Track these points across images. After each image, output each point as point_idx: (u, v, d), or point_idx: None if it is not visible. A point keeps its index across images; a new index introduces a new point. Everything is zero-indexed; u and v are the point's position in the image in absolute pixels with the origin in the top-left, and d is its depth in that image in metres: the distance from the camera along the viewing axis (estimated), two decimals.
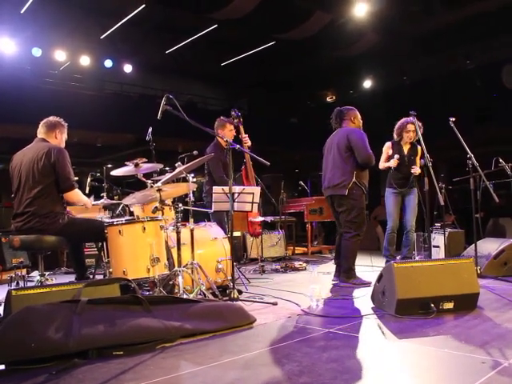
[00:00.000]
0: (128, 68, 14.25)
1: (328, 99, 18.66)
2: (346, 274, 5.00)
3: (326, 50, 14.50)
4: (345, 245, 5.04)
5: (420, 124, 5.47)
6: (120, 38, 14.30)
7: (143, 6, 12.27)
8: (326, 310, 3.80)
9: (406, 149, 5.92)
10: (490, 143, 13.00)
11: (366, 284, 4.86)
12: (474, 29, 13.40)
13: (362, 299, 4.19)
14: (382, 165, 6.02)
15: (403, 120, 5.92)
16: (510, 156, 6.62)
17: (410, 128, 5.82)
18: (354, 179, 4.95)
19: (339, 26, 12.92)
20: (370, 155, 4.96)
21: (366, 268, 5.90)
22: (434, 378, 2.30)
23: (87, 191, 5.34)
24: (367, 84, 16.41)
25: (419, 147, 5.76)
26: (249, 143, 5.76)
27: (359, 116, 5.29)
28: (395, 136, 6.00)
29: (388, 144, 6.02)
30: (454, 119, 5.11)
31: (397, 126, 5.98)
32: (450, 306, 3.54)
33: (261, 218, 6.20)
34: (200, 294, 3.91)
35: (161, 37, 14.98)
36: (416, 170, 5.79)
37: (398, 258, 5.89)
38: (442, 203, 4.84)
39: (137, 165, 4.31)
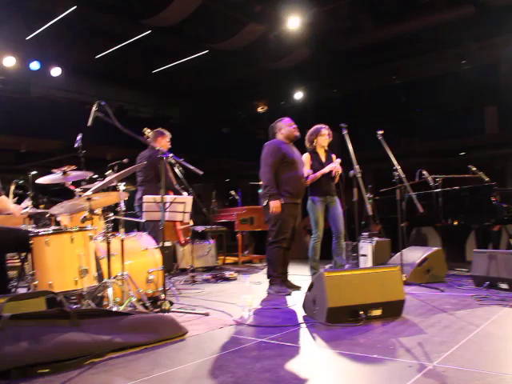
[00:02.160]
0: (56, 71, 13.72)
1: (259, 109, 18.85)
2: (269, 280, 5.27)
3: (259, 61, 14.67)
4: (267, 253, 5.39)
5: (331, 133, 5.77)
6: (48, 40, 13.77)
7: (74, 7, 11.89)
8: (259, 319, 3.81)
9: (323, 157, 5.97)
10: (413, 156, 13.61)
11: (286, 293, 5.03)
12: (402, 46, 14.03)
13: (294, 308, 4.24)
14: (310, 178, 6.08)
15: (317, 126, 5.98)
16: (431, 168, 6.96)
17: (325, 132, 5.90)
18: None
19: (272, 39, 13.12)
20: (261, 173, 5.26)
21: (298, 277, 5.97)
22: None
23: (11, 199, 5.09)
24: (298, 95, 16.72)
25: (333, 155, 5.91)
26: None
27: (286, 124, 5.44)
28: (308, 144, 5.99)
29: (307, 155, 6.03)
30: (382, 132, 5.30)
31: (309, 133, 5.95)
32: (378, 312, 3.65)
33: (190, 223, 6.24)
34: (130, 306, 3.80)
35: (92, 41, 14.56)
36: (337, 168, 5.71)
37: (326, 267, 6.00)
38: (370, 213, 5.02)
39: (65, 172, 4.16)
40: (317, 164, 5.86)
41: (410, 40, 13.64)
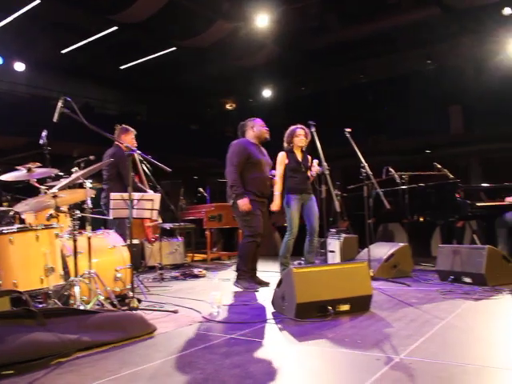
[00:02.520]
0: (20, 66, 13.43)
1: (228, 107, 18.86)
2: (236, 274, 5.24)
3: (227, 58, 14.64)
4: (240, 247, 5.44)
5: (308, 132, 5.74)
6: (11, 35, 13.43)
7: (38, 1, 11.62)
8: (228, 316, 3.81)
9: (299, 156, 6.03)
10: (381, 153, 13.80)
11: (254, 289, 5.04)
12: (369, 45, 14.21)
13: (263, 304, 4.25)
14: (279, 184, 6.12)
15: (293, 127, 6.05)
16: (398, 165, 7.08)
17: (300, 133, 5.97)
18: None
19: (241, 36, 13.11)
20: (229, 171, 5.23)
21: (266, 273, 5.99)
22: (332, 378, 2.38)
23: None
24: (267, 93, 16.78)
25: (309, 156, 5.95)
26: None
27: (258, 124, 5.45)
28: (286, 144, 6.06)
29: (283, 154, 6.09)
30: (349, 130, 5.36)
31: (287, 134, 6.02)
32: (346, 307, 3.69)
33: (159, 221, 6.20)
34: (98, 305, 3.75)
35: (57, 35, 14.26)
36: (315, 170, 5.74)
37: (295, 263, 6.05)
38: (338, 210, 5.07)
39: (29, 169, 4.06)
40: (293, 162, 5.92)
41: (377, 40, 13.85)
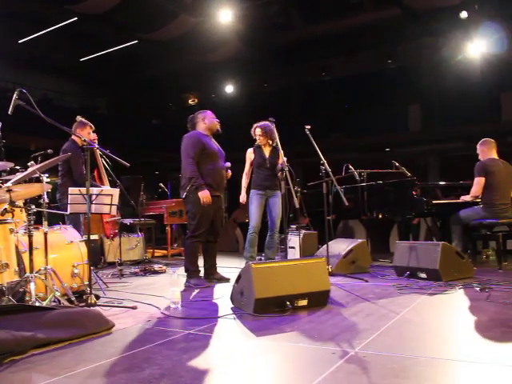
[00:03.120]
0: None
1: (190, 102, 18.75)
2: (186, 274, 5.24)
3: (190, 53, 14.55)
4: (184, 246, 5.44)
5: (269, 130, 5.82)
6: None
7: None
8: (186, 311, 3.82)
9: (267, 152, 6.11)
10: (341, 151, 14.00)
11: (204, 286, 5.06)
12: (331, 44, 14.36)
13: (222, 300, 4.27)
14: (244, 180, 6.22)
15: (254, 125, 6.14)
16: (358, 163, 7.19)
17: (257, 132, 6.06)
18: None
19: (204, 31, 13.05)
20: (186, 163, 5.16)
21: (227, 269, 6.01)
22: (289, 371, 2.42)
23: None
24: (229, 89, 16.75)
25: (281, 151, 6.00)
26: None
27: (210, 116, 5.42)
28: (255, 140, 6.18)
29: (250, 150, 6.19)
30: (309, 127, 5.42)
31: (251, 130, 6.17)
32: (304, 303, 3.74)
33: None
34: (54, 301, 3.69)
35: (14, 25, 13.85)
36: (279, 170, 5.77)
37: (260, 258, 6.11)
38: (298, 206, 5.12)
39: None
40: (258, 158, 6.00)
41: (340, 38, 13.99)
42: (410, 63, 15.01)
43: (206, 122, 5.39)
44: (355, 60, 15.47)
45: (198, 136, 5.28)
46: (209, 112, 5.49)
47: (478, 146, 6.21)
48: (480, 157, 6.17)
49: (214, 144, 5.42)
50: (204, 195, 5.08)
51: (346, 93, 16.25)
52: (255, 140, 6.11)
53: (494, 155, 6.11)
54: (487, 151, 6.12)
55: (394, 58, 14.88)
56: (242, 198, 6.09)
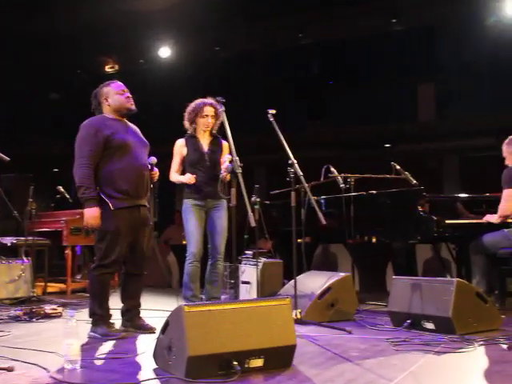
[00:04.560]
0: None
1: (108, 69, 18.57)
2: (91, 320, 5.15)
3: None
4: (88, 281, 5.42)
5: (221, 111, 5.66)
6: None
7: None
8: (88, 374, 3.78)
9: (205, 143, 6.02)
10: (322, 146, 14.06)
11: (116, 337, 5.02)
12: None
13: (142, 358, 4.24)
14: (175, 177, 6.08)
15: (198, 101, 6.01)
16: (343, 164, 7.19)
17: (208, 112, 5.95)
18: (97, 190, 4.99)
19: None
20: (76, 165, 5.01)
21: (152, 313, 5.96)
22: None
23: None
24: (165, 52, 16.68)
25: (225, 143, 5.94)
26: None
27: (114, 91, 5.21)
28: (187, 124, 6.07)
29: (180, 142, 6.08)
30: (274, 112, 5.42)
31: (188, 110, 6.04)
32: (258, 363, 3.74)
33: None
34: None
35: None
36: (224, 167, 5.62)
37: (201, 298, 6.08)
38: (254, 224, 5.07)
39: None
40: (193, 153, 5.89)
41: None
42: (423, 24, 15.17)
43: (110, 102, 5.18)
44: (346, 17, 15.57)
45: (98, 125, 5.07)
46: (114, 84, 5.26)
47: (503, 147, 6.34)
48: (507, 161, 6.29)
49: (130, 131, 5.24)
50: (89, 215, 4.87)
51: (332, 64, 16.30)
52: (192, 122, 5.98)
53: None
54: None
55: (400, 16, 15.07)
56: (189, 178, 5.85)
